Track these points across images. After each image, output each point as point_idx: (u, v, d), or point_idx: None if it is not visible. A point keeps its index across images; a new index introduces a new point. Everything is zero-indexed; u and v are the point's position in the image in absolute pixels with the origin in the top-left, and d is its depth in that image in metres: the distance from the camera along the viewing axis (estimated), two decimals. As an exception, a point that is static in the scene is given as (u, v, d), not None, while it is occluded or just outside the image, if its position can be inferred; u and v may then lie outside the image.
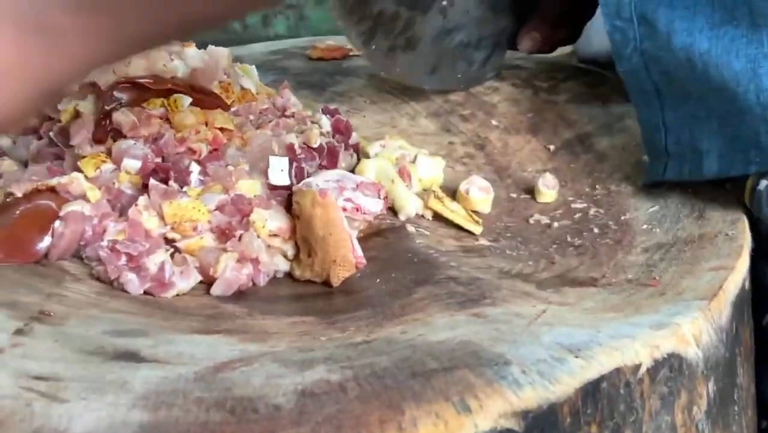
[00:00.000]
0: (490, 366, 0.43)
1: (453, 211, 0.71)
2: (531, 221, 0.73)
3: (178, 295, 0.58)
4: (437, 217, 0.72)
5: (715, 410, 0.54)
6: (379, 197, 0.67)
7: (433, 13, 0.88)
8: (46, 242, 0.59)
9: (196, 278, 0.59)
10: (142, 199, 0.61)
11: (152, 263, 0.57)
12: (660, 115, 0.76)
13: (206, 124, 0.68)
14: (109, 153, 0.65)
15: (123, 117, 0.64)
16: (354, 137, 0.80)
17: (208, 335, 0.50)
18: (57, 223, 0.60)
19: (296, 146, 0.68)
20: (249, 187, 0.64)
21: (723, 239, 0.65)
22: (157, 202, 0.61)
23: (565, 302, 0.57)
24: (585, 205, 0.75)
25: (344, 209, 0.65)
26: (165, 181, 0.63)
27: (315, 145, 0.70)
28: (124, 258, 0.57)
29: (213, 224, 0.61)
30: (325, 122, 0.76)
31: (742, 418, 0.59)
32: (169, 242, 0.60)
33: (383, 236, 0.68)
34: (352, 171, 0.73)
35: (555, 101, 0.94)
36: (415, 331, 0.49)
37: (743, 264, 0.61)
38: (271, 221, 0.61)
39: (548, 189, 0.76)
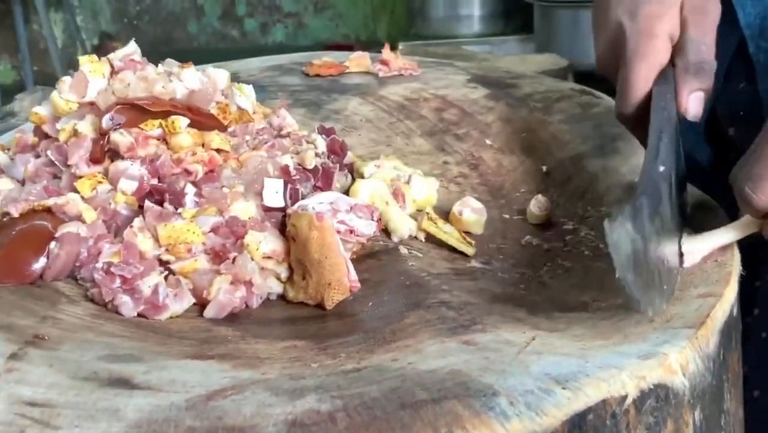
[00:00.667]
0: (478, 397, 0.44)
1: (446, 232, 0.72)
2: (523, 242, 0.74)
3: (171, 317, 0.58)
4: (430, 238, 0.73)
5: (701, 437, 0.54)
6: (373, 219, 0.68)
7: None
8: (41, 262, 0.60)
9: (189, 300, 0.59)
10: (138, 221, 0.61)
11: (146, 285, 0.58)
12: None
13: (203, 146, 0.68)
14: (105, 173, 0.65)
15: (120, 138, 0.65)
16: (349, 156, 0.80)
17: (201, 360, 0.51)
18: (52, 244, 0.60)
19: (291, 168, 0.69)
20: (243, 209, 0.64)
21: (712, 265, 0.65)
22: (152, 224, 0.61)
23: (555, 328, 0.57)
24: (577, 226, 0.76)
25: (338, 231, 0.66)
26: (160, 203, 0.63)
27: (310, 167, 0.71)
28: (118, 281, 0.58)
29: (207, 245, 0.62)
30: (321, 143, 0.77)
31: (729, 443, 0.60)
32: (163, 263, 0.61)
33: (376, 258, 0.68)
34: (347, 191, 0.74)
35: (549, 121, 0.95)
36: (405, 359, 0.50)
37: (731, 291, 0.62)
38: (265, 243, 0.62)
39: (540, 211, 0.77)
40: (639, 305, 0.56)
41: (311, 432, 0.41)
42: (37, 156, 0.70)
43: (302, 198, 0.69)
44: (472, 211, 0.75)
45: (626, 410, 0.47)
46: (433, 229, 0.72)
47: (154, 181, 0.65)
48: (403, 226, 0.72)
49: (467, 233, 0.74)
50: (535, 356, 0.49)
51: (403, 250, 0.70)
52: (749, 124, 0.92)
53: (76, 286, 0.60)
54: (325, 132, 0.80)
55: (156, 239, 0.61)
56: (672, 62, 0.73)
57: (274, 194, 0.66)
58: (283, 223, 0.65)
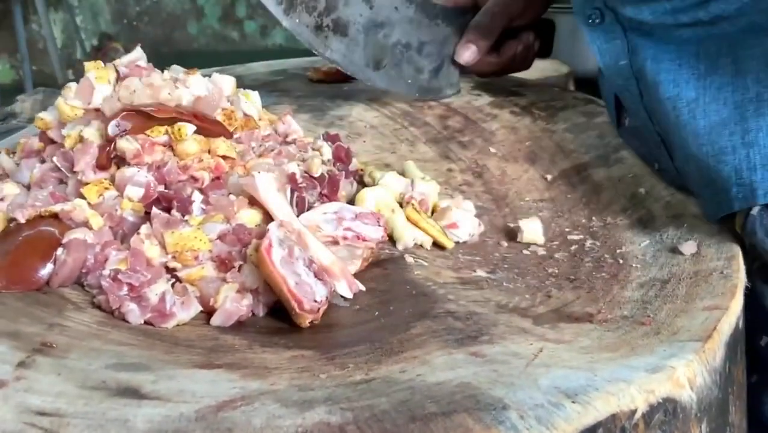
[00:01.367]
0: (488, 411, 0.44)
1: (428, 222, 0.73)
2: (527, 251, 0.74)
3: (178, 325, 0.58)
4: (435, 246, 0.73)
5: (707, 450, 0.54)
6: (379, 225, 0.68)
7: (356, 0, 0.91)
8: (48, 269, 0.60)
9: (196, 308, 0.59)
10: (144, 228, 0.61)
11: (153, 293, 0.58)
12: (671, 163, 0.77)
13: (209, 152, 0.68)
14: (112, 180, 0.65)
15: (127, 144, 0.65)
16: (354, 163, 0.80)
17: (209, 369, 0.51)
18: (59, 250, 0.60)
19: (298, 176, 0.69)
20: (250, 217, 0.64)
21: (718, 277, 0.66)
22: (159, 231, 0.61)
23: (562, 340, 0.57)
24: (581, 237, 0.76)
25: (345, 238, 0.66)
26: (168, 210, 0.63)
27: (317, 175, 0.71)
28: (125, 288, 0.58)
29: (214, 253, 0.62)
30: (327, 150, 0.77)
31: (733, 456, 0.60)
32: (170, 270, 0.61)
33: (382, 267, 0.68)
34: (353, 199, 0.74)
35: (553, 130, 0.95)
36: (414, 370, 0.50)
37: (737, 304, 0.62)
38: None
39: (530, 234, 0.76)
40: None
41: (322, 445, 0.41)
42: (43, 161, 0.70)
43: (308, 206, 0.69)
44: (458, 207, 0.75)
45: (635, 424, 0.47)
46: (416, 216, 0.72)
47: (161, 188, 0.65)
48: (408, 234, 0.72)
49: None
50: (543, 368, 0.49)
51: (409, 259, 0.70)
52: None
53: (82, 292, 0.60)
54: (331, 139, 0.80)
55: (163, 246, 0.61)
56: None
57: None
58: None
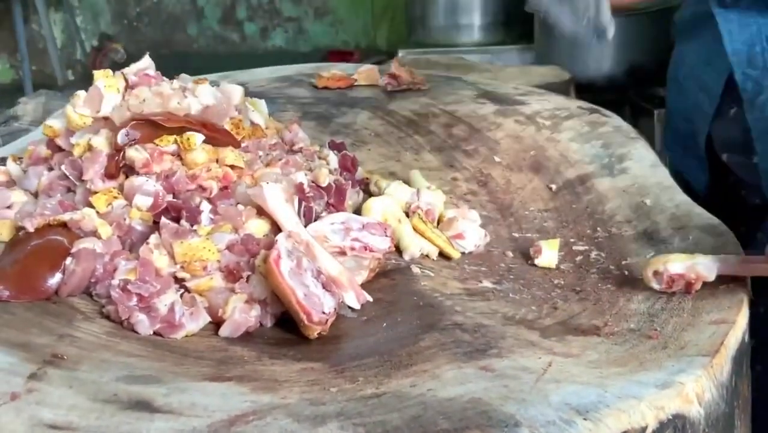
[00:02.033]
0: (500, 427, 0.44)
1: (434, 233, 0.73)
2: (533, 262, 0.74)
3: (187, 336, 0.58)
4: (441, 257, 0.73)
5: (714, 464, 0.55)
6: (386, 235, 0.68)
7: None
8: (56, 278, 0.60)
9: (205, 319, 0.59)
10: (153, 238, 0.61)
11: (162, 304, 0.58)
12: None
13: (217, 161, 0.68)
14: (120, 189, 0.65)
15: (136, 154, 0.65)
16: (360, 172, 0.80)
17: (220, 382, 0.51)
18: (68, 260, 0.60)
19: (305, 186, 0.69)
20: (258, 227, 0.64)
21: (724, 290, 0.66)
22: (168, 241, 0.61)
23: (570, 353, 0.57)
24: (586, 247, 0.76)
25: (352, 249, 0.66)
26: (176, 220, 0.63)
27: (324, 185, 0.71)
28: (135, 298, 0.58)
29: (222, 263, 0.62)
30: (333, 159, 0.77)
31: (739, 469, 0.60)
32: (178, 280, 0.61)
33: (389, 277, 0.69)
34: (359, 208, 0.74)
35: (557, 139, 0.95)
36: (424, 385, 0.50)
37: (743, 318, 0.62)
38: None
39: (546, 259, 0.75)
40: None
41: (335, 461, 0.41)
42: (50, 169, 0.70)
43: (315, 216, 0.69)
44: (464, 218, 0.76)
45: (645, 440, 0.47)
46: (422, 226, 0.72)
47: (169, 197, 0.65)
48: (414, 244, 0.73)
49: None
50: (554, 384, 0.50)
51: (416, 269, 0.70)
52: (742, 150, 0.92)
53: (91, 302, 0.60)
54: (336, 147, 0.81)
55: (172, 256, 0.61)
56: None
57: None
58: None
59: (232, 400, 0.48)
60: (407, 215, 0.74)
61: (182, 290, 0.60)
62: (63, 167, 0.67)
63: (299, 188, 0.68)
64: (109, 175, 0.65)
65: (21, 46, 3.16)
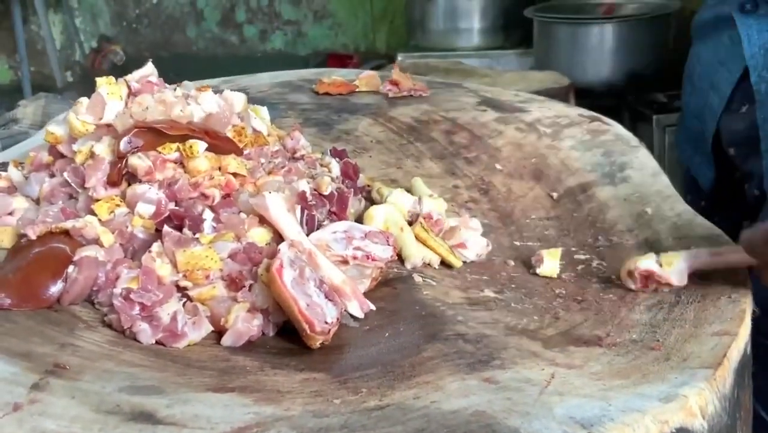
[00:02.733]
0: (504, 441, 0.44)
1: (436, 241, 0.73)
2: (536, 271, 0.74)
3: (189, 345, 0.58)
4: (443, 265, 0.73)
5: (716, 477, 0.55)
6: (389, 244, 0.68)
7: None
8: (58, 286, 0.60)
9: (207, 328, 0.59)
10: (156, 246, 0.61)
11: (165, 312, 0.58)
12: None
13: (219, 169, 0.68)
14: (123, 196, 0.65)
15: (138, 161, 0.65)
16: (361, 180, 0.80)
17: (223, 393, 0.51)
18: (70, 268, 0.60)
19: (308, 194, 0.69)
20: (260, 235, 0.64)
21: (726, 301, 0.66)
22: (170, 250, 0.61)
23: (572, 364, 0.57)
24: (588, 256, 0.76)
25: (354, 258, 0.66)
26: (179, 228, 0.63)
27: (326, 193, 0.71)
28: (137, 307, 0.58)
29: (224, 272, 0.62)
30: (335, 167, 0.77)
31: (740, 480, 0.60)
32: (180, 289, 0.61)
33: (391, 286, 0.69)
34: (361, 216, 0.74)
35: (558, 147, 0.95)
36: (427, 397, 0.50)
37: (746, 329, 0.62)
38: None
39: (548, 268, 0.75)
40: None
41: (339, 474, 0.41)
42: (52, 175, 0.70)
43: (318, 224, 0.69)
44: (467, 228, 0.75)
45: (649, 454, 0.47)
46: (424, 235, 0.72)
47: (172, 205, 0.65)
48: (416, 252, 0.72)
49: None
50: (557, 397, 0.50)
51: (418, 278, 0.70)
52: (748, 145, 0.95)
53: (92, 310, 0.60)
54: (338, 155, 0.81)
55: (174, 265, 0.61)
56: None
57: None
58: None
59: (235, 411, 0.48)
60: (409, 223, 0.74)
61: (184, 299, 0.60)
62: (65, 174, 0.67)
63: (302, 197, 0.68)
64: (112, 182, 0.65)
65: (20, 47, 3.15)
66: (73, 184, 0.66)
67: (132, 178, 0.66)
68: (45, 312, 0.58)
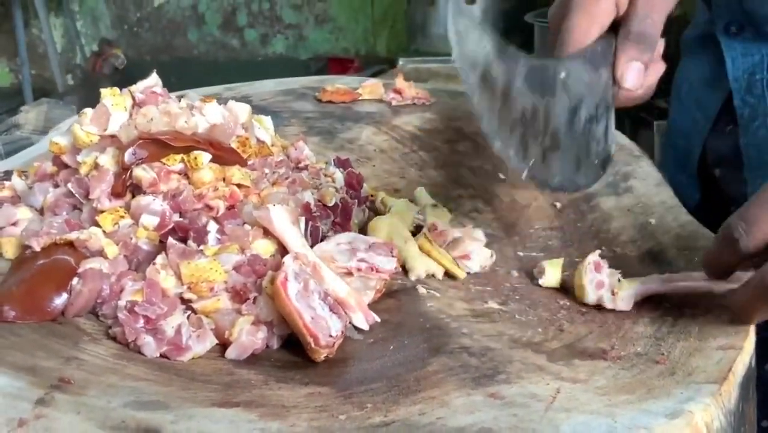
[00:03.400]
0: (511, 459, 0.44)
1: (440, 253, 0.73)
2: (538, 282, 0.74)
3: (193, 358, 0.58)
4: (447, 276, 0.73)
5: (721, 492, 0.54)
6: (392, 255, 0.68)
7: (560, 92, 0.73)
8: (63, 298, 0.60)
9: (212, 341, 0.59)
10: (160, 258, 0.61)
11: (169, 326, 0.58)
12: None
13: (224, 180, 0.68)
14: (127, 208, 0.65)
15: (143, 173, 0.65)
16: (365, 189, 0.80)
17: (228, 408, 0.51)
18: (75, 280, 0.60)
19: (312, 205, 0.69)
20: (265, 247, 0.64)
21: (730, 314, 0.66)
22: (174, 262, 0.61)
23: (577, 378, 0.57)
24: (592, 267, 0.76)
25: (359, 269, 0.66)
26: (183, 240, 0.63)
27: (330, 204, 0.71)
28: (141, 320, 0.57)
29: (229, 284, 0.61)
30: (339, 177, 0.77)
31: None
32: (185, 301, 0.61)
33: (395, 298, 0.68)
34: (364, 226, 0.74)
35: (562, 157, 0.95)
36: (433, 413, 0.50)
37: (750, 343, 0.62)
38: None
39: (550, 279, 0.75)
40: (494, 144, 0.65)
41: (345, 493, 0.41)
42: (56, 185, 0.70)
43: (322, 235, 0.69)
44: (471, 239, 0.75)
45: (655, 472, 0.47)
46: (428, 246, 0.72)
47: (176, 217, 0.65)
48: (420, 264, 0.72)
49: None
50: (563, 414, 0.49)
51: (421, 289, 0.70)
52: (733, 166, 0.94)
53: (96, 323, 0.60)
54: (341, 164, 0.81)
55: (178, 277, 0.61)
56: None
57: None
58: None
59: (241, 427, 0.48)
60: (413, 234, 0.74)
61: (188, 312, 0.60)
62: (69, 185, 0.67)
63: (306, 208, 0.68)
64: (116, 194, 0.65)
65: (21, 51, 3.15)
66: (77, 195, 0.66)
67: (136, 189, 0.66)
68: (49, 325, 0.58)
